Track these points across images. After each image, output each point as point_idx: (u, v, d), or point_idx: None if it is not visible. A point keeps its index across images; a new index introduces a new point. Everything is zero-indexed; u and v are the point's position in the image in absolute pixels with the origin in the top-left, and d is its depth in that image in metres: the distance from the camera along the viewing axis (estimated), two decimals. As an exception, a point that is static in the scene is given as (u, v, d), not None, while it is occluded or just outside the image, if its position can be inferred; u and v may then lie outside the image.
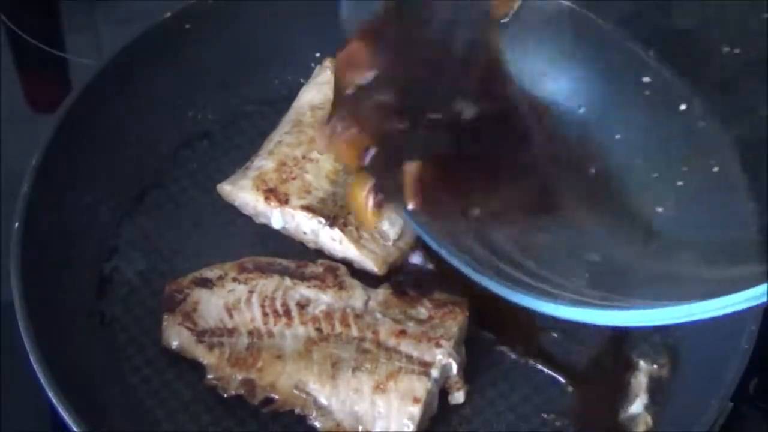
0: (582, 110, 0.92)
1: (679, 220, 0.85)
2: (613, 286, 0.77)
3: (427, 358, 0.84)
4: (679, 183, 0.87)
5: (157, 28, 0.99)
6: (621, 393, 0.86)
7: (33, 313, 0.81)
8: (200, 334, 0.86)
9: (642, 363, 0.87)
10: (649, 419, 0.85)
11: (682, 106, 0.87)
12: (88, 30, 1.19)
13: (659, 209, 0.86)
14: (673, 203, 0.86)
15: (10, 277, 0.83)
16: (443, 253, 0.81)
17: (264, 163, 0.96)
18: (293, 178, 0.94)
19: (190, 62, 1.01)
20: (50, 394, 0.78)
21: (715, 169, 0.85)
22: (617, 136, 0.90)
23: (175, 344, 0.87)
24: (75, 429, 0.77)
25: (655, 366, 0.87)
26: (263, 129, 1.01)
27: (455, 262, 0.80)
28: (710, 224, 0.83)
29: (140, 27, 0.99)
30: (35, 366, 0.79)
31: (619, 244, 0.84)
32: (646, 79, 0.89)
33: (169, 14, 1.00)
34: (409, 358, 0.84)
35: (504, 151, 0.88)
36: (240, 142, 1.02)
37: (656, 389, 0.86)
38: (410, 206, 0.81)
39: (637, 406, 0.85)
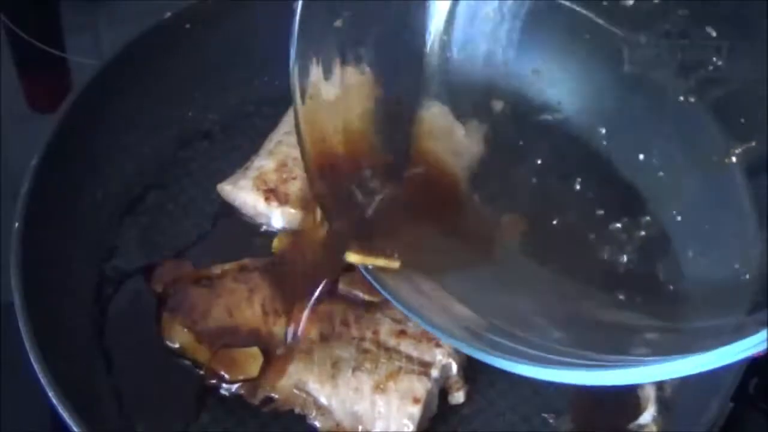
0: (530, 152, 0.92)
1: (635, 271, 0.86)
2: (598, 343, 0.76)
3: (427, 358, 0.84)
4: (642, 233, 0.87)
5: (157, 28, 0.99)
6: (628, 406, 0.86)
7: (33, 313, 0.81)
8: (200, 334, 0.86)
9: None
10: (655, 429, 0.84)
11: (641, 156, 0.87)
12: (88, 30, 1.19)
13: (606, 258, 0.86)
14: (631, 253, 0.86)
15: (10, 277, 0.83)
16: (415, 318, 0.81)
17: (264, 163, 0.96)
18: (293, 178, 0.94)
19: (190, 62, 1.01)
20: (50, 394, 0.78)
21: (679, 218, 0.85)
22: (577, 187, 0.90)
23: (175, 344, 0.87)
24: (75, 429, 0.77)
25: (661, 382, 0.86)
26: (263, 129, 1.01)
27: (428, 327, 0.80)
28: (668, 275, 0.84)
29: (140, 27, 0.99)
30: (35, 366, 0.79)
31: (577, 297, 0.84)
32: (602, 130, 0.89)
33: (169, 14, 1.00)
34: (409, 358, 0.84)
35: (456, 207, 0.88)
36: (240, 142, 1.02)
37: (664, 399, 0.86)
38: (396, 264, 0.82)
39: (645, 417, 0.84)
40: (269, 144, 0.98)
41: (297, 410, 0.84)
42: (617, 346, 0.75)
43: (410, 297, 0.81)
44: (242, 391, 0.84)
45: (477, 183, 0.90)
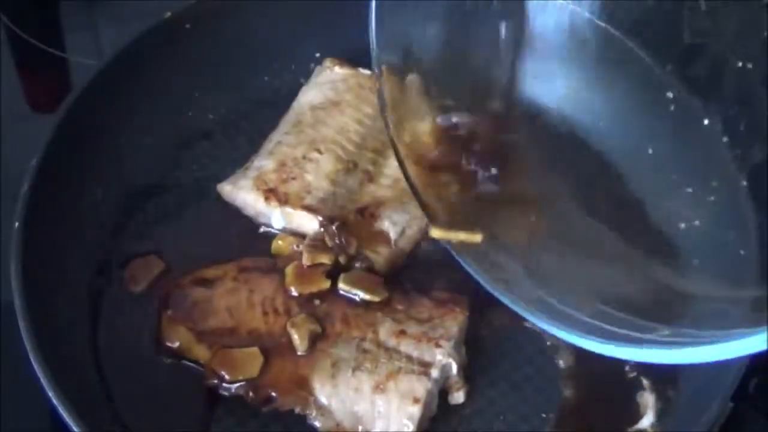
0: (602, 123, 0.93)
1: (707, 236, 0.86)
2: (650, 313, 0.77)
3: (427, 358, 0.84)
4: (711, 198, 0.87)
5: (157, 28, 1.00)
6: (627, 410, 0.86)
7: (33, 313, 0.81)
8: (200, 334, 0.86)
9: (646, 381, 0.86)
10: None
11: (705, 121, 0.87)
12: (88, 30, 1.19)
13: (681, 225, 0.86)
14: (703, 218, 0.86)
15: (10, 277, 0.83)
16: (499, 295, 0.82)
17: (264, 163, 0.96)
18: (293, 178, 0.94)
19: (190, 62, 1.01)
20: (50, 394, 0.78)
21: (744, 183, 0.85)
22: (649, 151, 0.90)
23: (175, 344, 0.87)
24: (75, 429, 0.77)
25: (661, 384, 0.86)
26: (263, 129, 1.01)
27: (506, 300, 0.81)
28: (738, 240, 0.84)
29: (140, 27, 0.99)
30: (35, 366, 0.79)
31: (651, 265, 0.84)
32: (669, 94, 0.89)
33: (169, 14, 1.00)
34: (409, 358, 0.84)
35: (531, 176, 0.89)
36: (240, 142, 1.02)
37: (663, 406, 0.86)
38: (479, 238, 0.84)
39: (643, 423, 0.84)
40: (269, 144, 0.98)
41: (297, 410, 0.84)
42: (688, 318, 0.75)
43: (489, 272, 0.82)
44: (242, 391, 0.84)
45: (547, 149, 0.90)
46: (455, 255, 0.85)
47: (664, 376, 0.86)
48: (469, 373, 0.87)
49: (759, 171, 0.84)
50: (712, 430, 0.78)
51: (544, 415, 0.86)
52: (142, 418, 0.85)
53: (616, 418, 0.85)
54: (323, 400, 0.83)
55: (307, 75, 1.03)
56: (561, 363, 0.88)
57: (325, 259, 0.89)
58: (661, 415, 0.85)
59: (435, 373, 0.83)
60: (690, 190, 0.87)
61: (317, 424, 0.83)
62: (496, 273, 0.83)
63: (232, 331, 0.86)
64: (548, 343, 0.89)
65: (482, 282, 0.83)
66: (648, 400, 0.85)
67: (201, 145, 1.02)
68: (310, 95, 1.01)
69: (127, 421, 0.84)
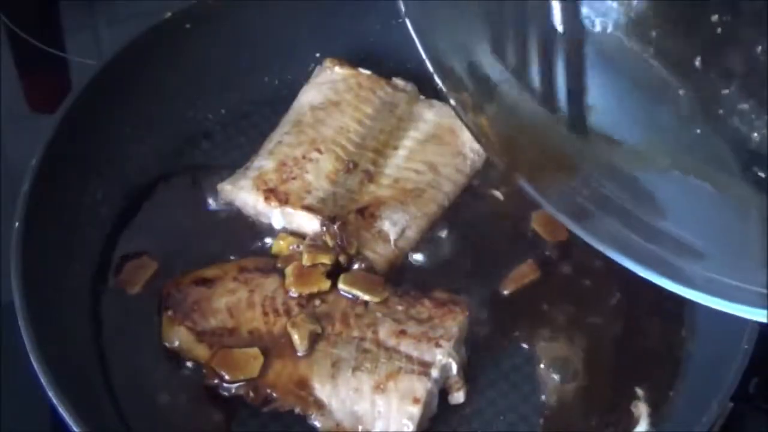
0: None
1: None
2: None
3: (427, 358, 0.84)
4: None
5: (157, 28, 0.99)
6: (622, 418, 0.85)
7: (33, 313, 0.81)
8: (200, 334, 0.86)
9: (641, 392, 0.86)
10: None
11: None
12: (88, 30, 1.19)
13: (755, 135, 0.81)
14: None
15: (10, 277, 0.83)
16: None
17: (264, 163, 0.96)
18: (293, 178, 0.94)
19: (190, 62, 1.01)
20: (50, 394, 0.78)
21: None
22: None
23: (175, 344, 0.87)
24: (75, 429, 0.77)
25: (660, 385, 0.86)
26: (263, 129, 1.01)
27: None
28: None
29: (140, 27, 0.99)
30: (35, 366, 0.79)
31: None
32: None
33: (169, 14, 1.00)
34: (409, 358, 0.84)
35: None
36: (240, 142, 1.02)
37: (663, 406, 0.86)
38: None
39: (638, 430, 0.85)
40: (269, 144, 0.98)
41: (297, 410, 0.84)
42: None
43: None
44: (242, 391, 0.84)
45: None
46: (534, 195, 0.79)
47: (661, 380, 0.86)
48: (469, 373, 0.87)
49: None
50: (712, 430, 0.78)
51: (544, 415, 0.86)
52: (142, 417, 0.85)
53: (611, 423, 0.85)
54: (323, 400, 0.83)
55: (307, 75, 1.03)
56: (561, 364, 0.88)
57: (325, 259, 0.89)
58: (660, 416, 0.85)
59: (435, 373, 0.83)
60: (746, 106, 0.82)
61: (317, 424, 0.83)
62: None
63: (232, 331, 0.86)
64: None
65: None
66: (642, 409, 0.85)
67: (201, 145, 1.02)
68: (310, 95, 1.01)
69: (127, 421, 0.84)
